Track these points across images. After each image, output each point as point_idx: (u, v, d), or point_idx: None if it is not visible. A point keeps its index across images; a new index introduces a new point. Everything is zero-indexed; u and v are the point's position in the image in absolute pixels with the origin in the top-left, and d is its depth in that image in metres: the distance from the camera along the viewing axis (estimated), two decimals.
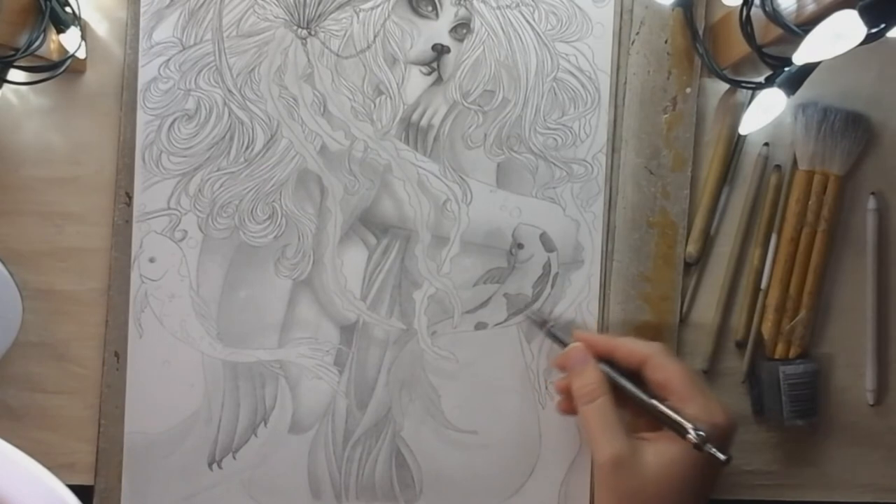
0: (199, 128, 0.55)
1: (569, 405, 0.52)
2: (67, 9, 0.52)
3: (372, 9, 0.55)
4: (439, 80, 0.56)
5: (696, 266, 0.57)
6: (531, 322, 0.56)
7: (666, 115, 0.56)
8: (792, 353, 0.56)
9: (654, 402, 0.48)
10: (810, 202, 0.56)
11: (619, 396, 0.49)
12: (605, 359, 0.51)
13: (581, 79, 0.56)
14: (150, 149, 0.55)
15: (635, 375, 0.50)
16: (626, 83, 0.56)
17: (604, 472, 0.46)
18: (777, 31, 0.47)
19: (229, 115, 0.55)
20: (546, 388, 0.56)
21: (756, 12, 0.49)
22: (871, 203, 0.57)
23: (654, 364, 0.49)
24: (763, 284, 0.57)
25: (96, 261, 0.56)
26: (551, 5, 0.56)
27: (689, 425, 0.45)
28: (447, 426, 0.56)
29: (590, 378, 0.49)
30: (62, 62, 0.53)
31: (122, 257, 0.56)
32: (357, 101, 0.56)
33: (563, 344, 0.53)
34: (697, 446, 0.45)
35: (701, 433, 0.45)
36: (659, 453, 0.46)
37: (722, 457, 0.44)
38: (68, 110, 0.56)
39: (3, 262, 0.54)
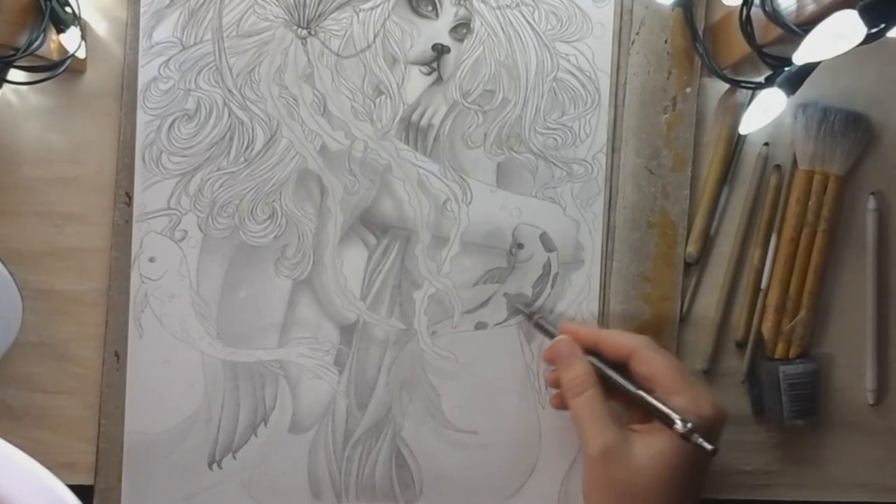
0: (199, 128, 0.55)
1: (561, 399, 0.52)
2: (67, 9, 0.52)
3: (372, 9, 0.55)
4: (439, 80, 0.56)
5: (696, 266, 0.57)
6: (518, 312, 0.56)
7: (666, 115, 0.56)
8: (792, 353, 0.56)
9: (641, 392, 0.48)
10: (810, 202, 0.56)
11: (609, 388, 0.49)
12: (592, 351, 0.51)
13: (581, 79, 0.56)
14: (150, 149, 0.55)
15: (622, 368, 0.50)
16: (626, 83, 0.56)
17: (594, 464, 0.46)
18: (777, 31, 0.47)
19: (229, 115, 0.55)
20: (546, 387, 0.56)
21: (756, 12, 0.49)
22: (871, 203, 0.57)
23: (639, 357, 0.49)
24: (763, 284, 0.57)
25: (96, 261, 0.56)
26: (551, 5, 0.55)
27: (675, 416, 0.45)
28: (447, 426, 0.56)
29: (578, 370, 0.49)
30: (62, 62, 0.53)
31: (122, 257, 0.56)
32: (357, 101, 0.56)
33: (551, 336, 0.53)
34: (684, 436, 0.45)
35: (687, 424, 0.45)
36: (649, 445, 0.46)
37: (709, 447, 0.44)
38: (68, 110, 0.56)
39: (3, 262, 0.54)
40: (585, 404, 0.48)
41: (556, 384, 0.52)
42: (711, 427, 0.46)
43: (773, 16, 0.46)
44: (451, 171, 0.56)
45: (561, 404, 0.52)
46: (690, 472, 0.46)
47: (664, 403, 0.47)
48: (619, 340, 0.50)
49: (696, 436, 0.44)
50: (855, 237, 0.57)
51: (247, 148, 0.55)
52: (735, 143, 0.57)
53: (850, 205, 0.57)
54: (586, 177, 0.56)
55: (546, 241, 0.56)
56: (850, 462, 0.58)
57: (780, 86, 0.49)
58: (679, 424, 0.45)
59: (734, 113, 0.57)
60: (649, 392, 0.48)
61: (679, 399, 0.47)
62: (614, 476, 0.46)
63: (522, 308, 0.55)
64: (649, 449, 0.46)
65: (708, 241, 0.57)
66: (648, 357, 0.49)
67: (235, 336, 0.56)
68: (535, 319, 0.55)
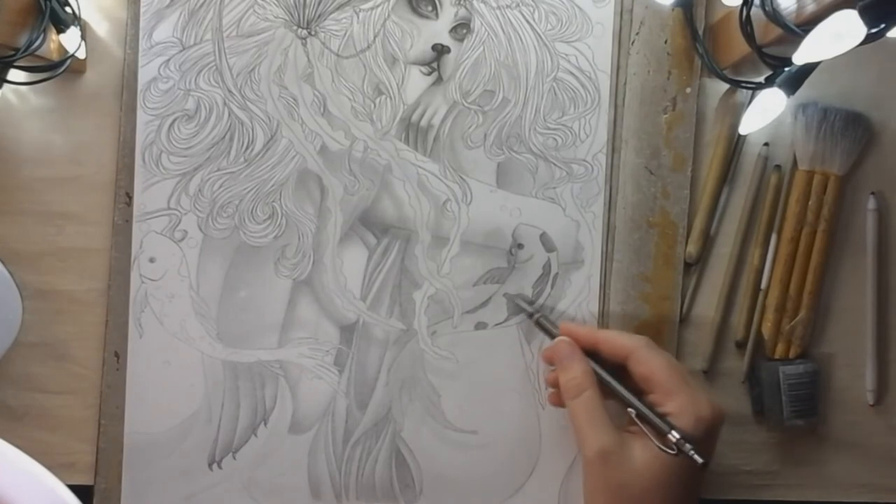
0: (199, 128, 0.55)
1: (559, 398, 0.52)
2: (67, 9, 0.52)
3: (372, 9, 0.55)
4: (439, 80, 0.56)
5: (696, 266, 0.57)
6: (519, 311, 0.56)
7: (666, 115, 0.56)
8: (792, 353, 0.56)
9: (634, 403, 0.48)
10: (810, 202, 0.56)
11: (606, 389, 0.50)
12: (591, 352, 0.51)
13: (581, 79, 0.56)
14: (150, 149, 0.55)
15: (621, 369, 0.50)
16: (626, 83, 0.56)
17: (592, 466, 0.47)
18: (777, 31, 0.47)
19: (229, 115, 0.55)
20: (546, 387, 0.56)
21: (756, 12, 0.49)
22: (871, 203, 0.57)
23: (637, 358, 0.49)
24: (763, 284, 0.57)
25: (96, 261, 0.56)
26: (551, 5, 0.55)
27: (667, 428, 0.46)
28: (447, 426, 0.56)
29: (576, 372, 0.50)
30: (62, 62, 0.53)
31: (122, 257, 0.56)
32: (357, 101, 0.56)
33: (551, 335, 0.53)
34: (676, 447, 0.45)
35: (677, 436, 0.45)
36: (646, 447, 0.46)
37: (699, 459, 0.44)
38: (68, 110, 0.56)
39: (3, 262, 0.54)
40: (582, 406, 0.48)
41: (554, 384, 0.52)
42: (709, 429, 0.46)
43: (773, 16, 0.46)
44: (451, 171, 0.56)
45: (559, 402, 0.53)
46: (687, 475, 0.46)
47: (660, 410, 0.47)
48: (618, 341, 0.50)
49: (687, 447, 0.45)
50: (855, 237, 0.57)
51: (247, 148, 0.55)
52: (735, 143, 0.57)
53: (850, 205, 0.57)
54: (586, 177, 0.56)
55: (546, 242, 0.56)
56: (850, 462, 0.58)
57: (780, 86, 0.49)
58: (670, 436, 0.45)
59: (734, 113, 0.57)
60: (647, 393, 0.48)
61: (676, 401, 0.47)
62: (612, 478, 0.46)
63: (525, 307, 0.56)
64: (647, 451, 0.46)
65: (708, 241, 0.57)
66: (646, 358, 0.49)
67: (235, 336, 0.56)
68: (537, 318, 0.55)
